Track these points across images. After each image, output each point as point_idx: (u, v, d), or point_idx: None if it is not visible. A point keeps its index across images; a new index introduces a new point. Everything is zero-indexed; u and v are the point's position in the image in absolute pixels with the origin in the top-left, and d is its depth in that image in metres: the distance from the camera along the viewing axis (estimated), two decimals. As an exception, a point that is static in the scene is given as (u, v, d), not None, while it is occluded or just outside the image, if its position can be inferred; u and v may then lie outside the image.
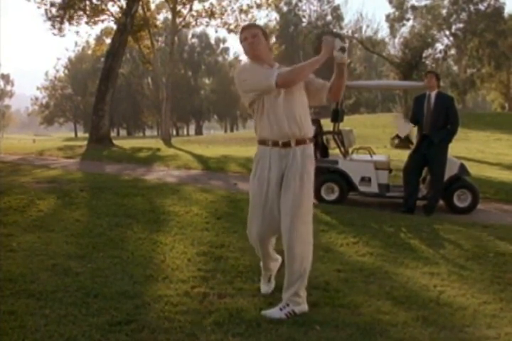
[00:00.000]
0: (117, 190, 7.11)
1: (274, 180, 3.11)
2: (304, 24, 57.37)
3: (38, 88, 77.06)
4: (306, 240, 3.10)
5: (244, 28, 3.22)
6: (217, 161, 12.17)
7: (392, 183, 7.39)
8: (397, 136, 7.19)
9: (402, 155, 8.51)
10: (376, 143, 17.01)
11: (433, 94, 6.54)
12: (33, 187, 7.40)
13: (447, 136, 6.47)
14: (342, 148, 7.27)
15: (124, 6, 19.43)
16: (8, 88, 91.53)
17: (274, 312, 3.04)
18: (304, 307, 3.13)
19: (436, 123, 6.45)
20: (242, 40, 3.15)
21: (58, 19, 19.83)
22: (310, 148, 3.15)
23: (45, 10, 19.99)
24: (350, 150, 7.66)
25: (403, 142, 7.27)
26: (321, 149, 7.29)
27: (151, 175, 9.97)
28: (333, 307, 3.22)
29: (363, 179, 6.95)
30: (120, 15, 19.95)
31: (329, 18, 57.20)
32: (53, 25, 20.08)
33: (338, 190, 7.00)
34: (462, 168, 6.87)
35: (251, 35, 3.12)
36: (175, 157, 13.19)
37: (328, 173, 7.06)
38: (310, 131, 3.16)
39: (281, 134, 3.07)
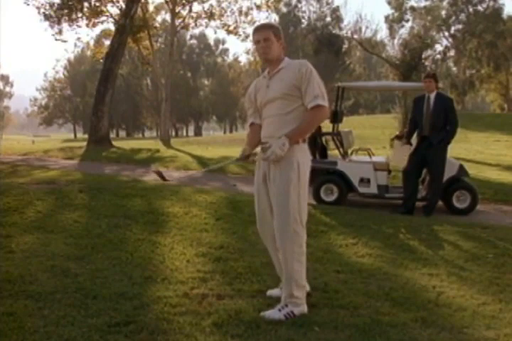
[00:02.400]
0: (116, 191, 7.10)
1: (261, 180, 3.24)
2: (303, 25, 57.35)
3: (37, 89, 77.07)
4: (294, 241, 3.09)
5: (256, 30, 3.22)
6: (217, 162, 12.15)
7: (391, 184, 7.40)
8: (397, 137, 7.18)
9: (402, 156, 8.50)
10: (375, 144, 17.01)
11: (432, 95, 6.54)
12: (32, 188, 7.39)
13: (446, 137, 6.47)
14: (341, 149, 7.28)
15: (123, 7, 19.43)
16: (8, 89, 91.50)
17: (273, 313, 3.05)
18: (304, 308, 3.13)
19: (435, 125, 6.45)
20: (255, 43, 3.18)
21: (56, 20, 19.78)
22: (291, 150, 3.06)
23: (43, 10, 19.93)
24: (349, 151, 7.66)
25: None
26: (320, 150, 7.29)
27: (150, 176, 9.96)
28: (332, 309, 3.21)
29: (362, 180, 6.95)
30: (119, 16, 19.94)
31: (328, 19, 57.20)
32: (51, 26, 20.06)
33: (337, 191, 7.00)
34: (461, 169, 6.87)
35: (263, 38, 3.14)
36: (174, 158, 13.20)
37: (327, 174, 7.06)
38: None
39: (263, 136, 3.22)
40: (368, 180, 6.93)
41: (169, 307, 3.18)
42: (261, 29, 3.20)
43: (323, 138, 7.48)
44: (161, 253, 4.34)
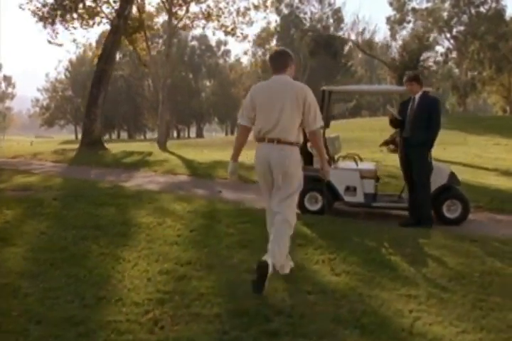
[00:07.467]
0: (93, 199, 6.83)
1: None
2: (305, 27, 56.99)
3: (38, 90, 76.99)
4: (287, 240, 4.09)
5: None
6: (207, 167, 11.86)
7: (380, 192, 7.09)
8: (385, 143, 6.87)
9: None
10: (373, 147, 16.66)
11: (417, 96, 6.26)
12: (7, 195, 7.13)
13: (426, 139, 6.12)
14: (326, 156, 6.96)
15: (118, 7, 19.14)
16: (10, 90, 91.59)
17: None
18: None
19: (416, 125, 6.12)
20: None
21: (49, 20, 19.44)
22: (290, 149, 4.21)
23: (36, 10, 19.54)
24: (336, 157, 7.36)
25: (397, 146, 6.99)
26: (305, 157, 6.97)
27: (134, 181, 9.68)
28: (294, 337, 2.93)
29: (348, 188, 6.63)
30: (114, 17, 19.63)
31: (330, 20, 56.88)
32: (44, 26, 19.71)
33: (322, 199, 6.68)
34: (452, 176, 6.55)
35: None
36: (163, 162, 12.88)
37: (312, 182, 6.73)
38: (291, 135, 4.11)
39: None
40: (354, 189, 6.61)
41: (116, 334, 2.95)
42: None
43: (308, 144, 7.16)
44: (122, 271, 4.05)
